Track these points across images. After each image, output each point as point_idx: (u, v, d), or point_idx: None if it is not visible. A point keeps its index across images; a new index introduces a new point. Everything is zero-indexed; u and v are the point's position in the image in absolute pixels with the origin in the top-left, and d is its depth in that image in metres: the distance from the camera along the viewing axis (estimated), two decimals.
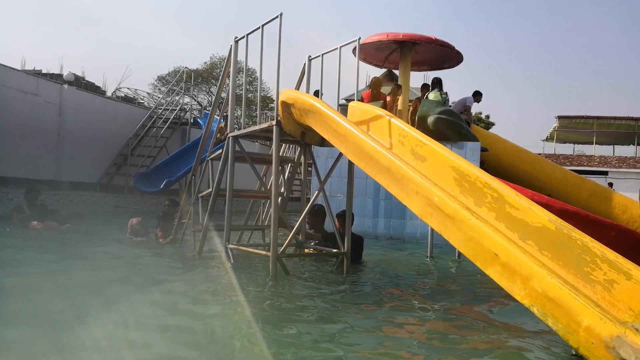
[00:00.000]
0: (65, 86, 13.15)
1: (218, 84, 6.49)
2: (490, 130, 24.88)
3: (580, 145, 26.60)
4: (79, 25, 54.72)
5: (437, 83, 9.26)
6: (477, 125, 11.56)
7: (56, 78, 17.63)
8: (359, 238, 5.85)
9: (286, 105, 4.73)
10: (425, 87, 9.85)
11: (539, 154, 15.08)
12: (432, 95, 9.01)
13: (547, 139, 24.31)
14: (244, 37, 5.31)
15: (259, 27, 4.98)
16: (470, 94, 10.34)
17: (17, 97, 11.33)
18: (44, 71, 21.22)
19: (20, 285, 4.02)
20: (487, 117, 34.08)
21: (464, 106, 10.07)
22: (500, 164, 8.95)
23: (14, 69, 11.81)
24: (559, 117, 21.47)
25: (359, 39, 5.30)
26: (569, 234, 3.15)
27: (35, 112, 11.78)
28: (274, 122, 4.82)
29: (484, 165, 8.66)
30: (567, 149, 27.20)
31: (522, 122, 72.95)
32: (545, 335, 3.06)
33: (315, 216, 6.03)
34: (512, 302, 3.61)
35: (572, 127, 21.46)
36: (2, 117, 10.86)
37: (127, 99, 19.37)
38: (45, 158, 12.04)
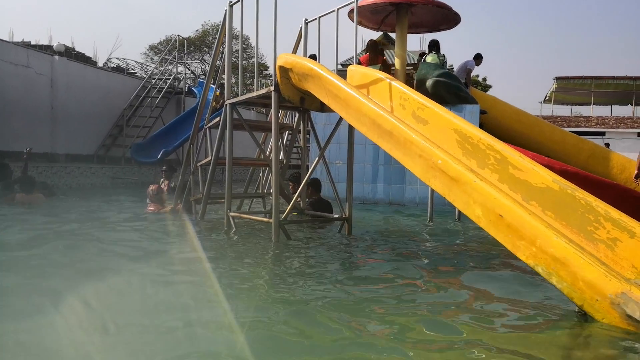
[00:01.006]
0: (56, 57, 12.88)
1: (213, 51, 6.36)
2: (488, 92, 24.69)
3: (578, 106, 26.50)
4: None
5: (434, 45, 9.10)
6: (475, 88, 11.43)
7: (46, 49, 17.26)
8: (328, 203, 6.17)
9: (284, 70, 4.64)
10: (423, 55, 9.70)
11: (537, 116, 15.00)
12: (430, 58, 8.86)
13: (545, 101, 24.18)
14: (238, 1, 5.17)
15: None
16: (468, 56, 10.22)
17: (8, 69, 11.12)
18: (33, 42, 20.75)
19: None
20: (485, 79, 33.79)
21: (466, 70, 9.96)
22: (499, 126, 8.89)
23: (3, 40, 11.54)
24: (557, 78, 21.27)
25: (357, 0, 5.16)
26: (573, 194, 3.15)
27: (26, 84, 11.58)
28: (272, 88, 4.75)
29: (483, 128, 8.59)
30: (564, 110, 27.08)
31: (519, 84, 72.40)
32: (548, 293, 3.09)
33: (314, 187, 6.10)
34: (515, 261, 3.65)
35: (570, 88, 21.30)
36: None
37: (119, 69, 19.02)
38: (39, 131, 11.91)
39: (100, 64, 20.64)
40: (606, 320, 2.47)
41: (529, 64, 74.65)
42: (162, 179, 7.83)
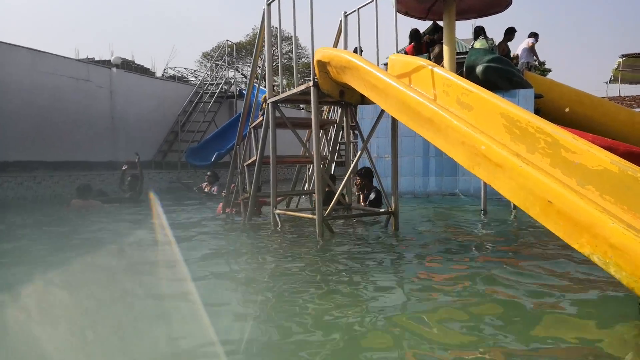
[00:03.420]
0: (114, 69, 13.51)
1: (254, 52, 6.41)
2: (547, 76, 23.49)
3: None
4: (127, 12, 55.93)
5: (481, 31, 8.74)
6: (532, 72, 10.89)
7: (106, 64, 18.18)
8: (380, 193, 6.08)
9: (322, 64, 4.58)
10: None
11: (603, 97, 14.09)
12: (478, 44, 8.51)
13: (610, 81, 22.68)
14: None
15: None
16: (523, 39, 9.79)
17: (70, 83, 11.78)
18: (97, 58, 21.92)
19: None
20: (543, 63, 32.19)
21: (528, 49, 9.60)
22: (558, 110, 8.42)
23: (65, 57, 12.23)
24: (623, 56, 19.87)
25: None
26: (635, 176, 2.88)
27: (87, 97, 12.23)
28: (310, 84, 4.69)
29: (540, 112, 8.16)
30: (634, 89, 25.24)
31: (581, 65, 68.29)
32: (609, 284, 2.85)
33: (363, 177, 6.04)
34: (570, 252, 3.40)
35: (638, 66, 19.84)
36: (58, 103, 11.36)
37: (174, 78, 19.73)
38: (101, 140, 12.53)
39: (158, 74, 21.52)
40: None
41: (591, 43, 70.28)
42: (205, 183, 8.69)
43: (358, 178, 6.30)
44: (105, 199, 8.40)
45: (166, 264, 3.95)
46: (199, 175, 14.15)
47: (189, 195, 10.14)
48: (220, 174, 12.56)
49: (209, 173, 10.04)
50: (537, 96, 8.03)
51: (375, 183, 6.23)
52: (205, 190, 9.66)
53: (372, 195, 6.14)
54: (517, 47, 10.17)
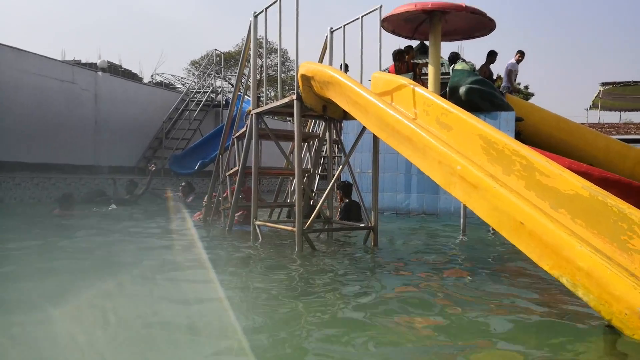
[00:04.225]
0: (100, 73, 13.43)
1: (240, 62, 6.44)
2: (530, 100, 23.96)
3: (627, 112, 25.27)
4: (115, 16, 55.75)
5: (456, 57, 8.97)
6: (516, 96, 11.13)
7: (93, 67, 18.06)
8: (359, 205, 6.20)
9: (306, 79, 4.62)
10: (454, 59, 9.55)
11: (583, 124, 14.40)
12: (459, 66, 8.67)
13: (590, 107, 23.20)
14: (262, 11, 5.21)
15: (277, 0, 4.86)
16: (507, 61, 10.00)
17: (54, 85, 11.67)
18: (83, 61, 21.75)
19: None
20: (526, 87, 32.83)
21: (507, 72, 9.81)
22: (538, 134, 8.59)
23: (51, 58, 12.13)
24: (604, 84, 20.38)
25: (380, 7, 5.10)
26: (604, 201, 2.96)
27: (71, 100, 12.12)
28: (294, 97, 4.73)
29: (521, 136, 8.32)
30: (613, 117, 25.85)
31: (563, 91, 69.79)
32: (577, 306, 2.89)
33: (340, 190, 6.40)
34: (542, 273, 3.46)
35: (617, 94, 20.35)
36: (42, 105, 11.24)
37: (164, 85, 19.65)
38: (84, 144, 12.40)
39: (146, 80, 21.42)
40: (637, 336, 2.28)
41: (573, 70, 71.95)
42: (179, 194, 8.94)
43: (338, 191, 6.45)
44: (104, 198, 8.85)
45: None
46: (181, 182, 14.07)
47: (158, 203, 10.03)
48: (195, 184, 12.66)
49: (183, 183, 10.15)
50: (518, 119, 8.19)
51: (354, 197, 6.38)
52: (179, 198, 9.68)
53: (342, 209, 6.48)
54: (501, 69, 10.39)
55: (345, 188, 6.56)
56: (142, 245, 5.29)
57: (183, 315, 2.80)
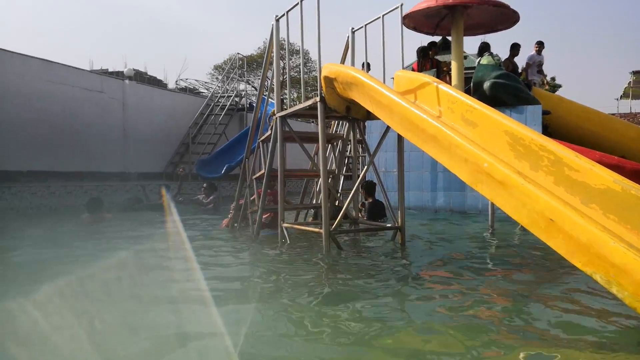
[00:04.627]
0: (127, 81, 13.73)
1: (263, 66, 6.50)
2: (558, 92, 23.44)
3: None
4: (140, 24, 56.88)
5: (486, 47, 8.80)
6: (542, 88, 10.90)
7: (119, 75, 18.50)
8: (382, 205, 6.50)
9: (329, 80, 4.64)
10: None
11: (613, 114, 14.04)
12: (485, 60, 8.54)
13: (621, 97, 22.57)
14: (284, 15, 5.25)
15: (298, 3, 4.90)
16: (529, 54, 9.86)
17: (83, 95, 11.99)
18: (110, 69, 22.29)
19: None
20: (553, 79, 32.12)
21: (527, 64, 9.67)
22: (565, 126, 8.41)
23: (79, 68, 12.47)
24: (634, 72, 19.80)
25: (401, 6, 5.08)
26: (638, 195, 2.89)
27: (100, 108, 12.43)
28: (317, 99, 4.76)
29: (548, 129, 8.17)
30: None
31: (592, 81, 67.93)
32: (611, 303, 2.84)
33: (364, 189, 6.52)
34: (577, 271, 3.39)
35: None
36: (72, 114, 11.57)
37: (188, 90, 19.99)
38: (113, 151, 12.71)
39: (170, 86, 21.81)
40: None
41: (602, 59, 69.96)
42: (202, 195, 8.90)
43: (362, 190, 6.50)
44: (141, 205, 9.32)
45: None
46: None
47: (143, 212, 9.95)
48: (222, 187, 12.85)
49: (205, 185, 9.84)
50: (545, 112, 8.04)
51: (379, 196, 6.46)
52: (202, 199, 9.55)
53: (367, 209, 6.63)
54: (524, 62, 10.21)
55: (370, 187, 6.63)
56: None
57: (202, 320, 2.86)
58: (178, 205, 9.68)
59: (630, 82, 19.97)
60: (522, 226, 6.12)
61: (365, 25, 5.49)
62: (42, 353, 2.35)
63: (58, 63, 11.53)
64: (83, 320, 2.77)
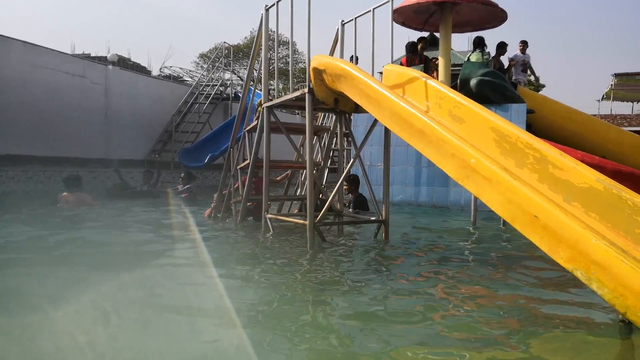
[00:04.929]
0: (110, 67, 13.49)
1: (251, 56, 6.45)
2: (541, 92, 23.71)
3: None
4: (123, 9, 55.86)
5: (479, 43, 8.83)
6: (526, 87, 11.03)
7: (102, 61, 18.16)
8: (365, 198, 6.90)
9: (318, 72, 4.62)
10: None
11: (594, 115, 14.28)
12: (474, 57, 8.61)
13: (603, 99, 22.96)
14: (274, 4, 5.20)
15: None
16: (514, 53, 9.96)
17: (65, 79, 11.75)
18: (92, 54, 21.86)
19: None
20: (537, 79, 32.50)
21: (517, 62, 9.76)
22: (549, 126, 8.53)
23: (61, 52, 12.21)
24: (616, 75, 20.15)
25: (392, 0, 5.07)
26: (619, 194, 2.94)
27: (82, 93, 12.20)
28: (306, 90, 4.74)
29: (532, 128, 8.27)
30: (625, 108, 25.48)
31: (575, 82, 69.02)
32: (592, 301, 2.90)
33: (349, 183, 6.59)
34: (556, 267, 3.45)
35: (630, 85, 20.12)
36: (53, 99, 11.33)
37: (173, 78, 19.71)
38: (94, 137, 12.50)
39: (154, 73, 21.49)
40: None
41: (584, 61, 71.06)
42: (180, 185, 8.99)
43: (346, 184, 6.51)
44: (129, 191, 9.47)
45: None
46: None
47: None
48: (205, 177, 12.81)
49: (182, 174, 9.91)
50: (529, 111, 8.14)
51: (361, 190, 6.59)
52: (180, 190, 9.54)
53: (353, 202, 6.79)
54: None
55: (355, 181, 6.70)
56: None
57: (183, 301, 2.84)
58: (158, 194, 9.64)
59: (612, 84, 20.31)
60: (504, 222, 6.24)
61: (356, 18, 5.48)
62: None
63: (40, 46, 11.28)
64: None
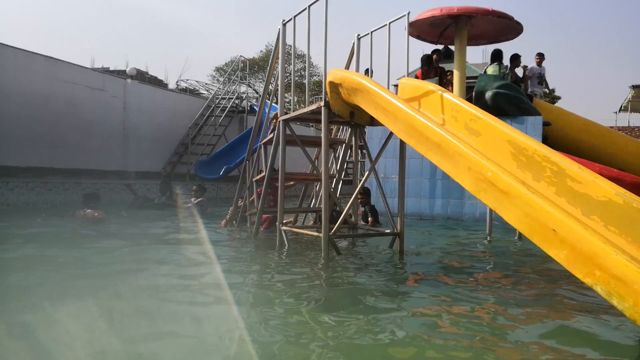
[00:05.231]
0: (129, 80, 13.74)
1: (268, 69, 6.52)
2: (557, 104, 23.55)
3: None
4: (142, 24, 56.94)
5: (497, 56, 8.82)
6: (542, 99, 10.96)
7: (121, 74, 18.49)
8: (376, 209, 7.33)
9: (334, 85, 4.67)
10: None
11: (611, 127, 14.11)
12: (491, 70, 8.60)
13: (620, 110, 22.72)
14: (291, 19, 5.28)
15: (306, 8, 4.93)
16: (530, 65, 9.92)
17: (85, 93, 11.99)
18: (112, 68, 22.27)
19: None
20: (553, 90, 32.32)
21: (533, 75, 9.73)
22: (565, 138, 8.46)
23: (82, 66, 12.47)
24: (634, 87, 19.94)
25: (408, 14, 5.12)
26: (639, 207, 2.91)
27: (102, 107, 12.43)
28: (322, 104, 4.78)
29: (548, 140, 8.21)
30: None
31: (591, 94, 68.36)
32: (614, 316, 2.86)
33: (363, 196, 6.88)
34: (577, 282, 3.41)
35: None
36: (73, 112, 11.57)
37: (189, 91, 19.99)
38: (113, 150, 12.70)
39: (171, 86, 21.81)
40: None
41: (602, 73, 70.43)
42: (192, 197, 9.12)
43: (360, 195, 6.57)
44: (150, 204, 9.90)
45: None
46: (207, 188, 14.25)
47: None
48: (221, 189, 12.97)
49: (194, 187, 9.88)
50: (545, 124, 8.09)
51: (375, 202, 6.74)
52: (192, 204, 9.54)
53: (371, 212, 7.15)
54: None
55: (368, 193, 6.90)
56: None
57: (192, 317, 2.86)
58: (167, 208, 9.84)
59: (629, 96, 20.09)
60: (520, 236, 6.18)
61: (372, 32, 5.52)
62: None
63: (62, 60, 11.54)
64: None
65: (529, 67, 9.99)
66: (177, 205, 9.87)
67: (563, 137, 8.44)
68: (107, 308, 3.03)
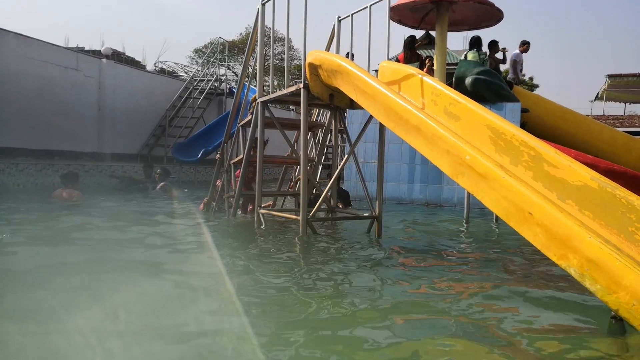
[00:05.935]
0: (104, 60, 13.38)
1: (246, 51, 6.41)
2: (535, 92, 23.82)
3: (632, 104, 25.14)
4: (118, 3, 55.48)
5: (476, 42, 8.84)
6: (521, 87, 11.05)
7: (96, 54, 18.00)
8: (346, 192, 7.46)
9: (313, 67, 4.60)
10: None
11: (587, 115, 14.35)
12: (470, 55, 8.61)
13: (595, 99, 23.12)
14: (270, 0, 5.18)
15: None
16: (512, 52, 9.94)
17: (58, 72, 11.63)
18: (87, 48, 21.66)
19: None
20: (531, 79, 32.69)
21: (513, 62, 9.74)
22: (542, 125, 8.54)
23: (55, 45, 12.08)
24: (609, 76, 20.27)
25: None
26: (613, 192, 2.95)
27: (76, 87, 12.09)
28: (301, 85, 4.72)
29: (526, 127, 8.27)
30: (617, 109, 25.73)
31: (568, 83, 69.47)
32: (583, 297, 2.91)
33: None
34: (550, 265, 3.47)
35: (623, 86, 20.25)
36: (45, 92, 11.22)
37: (167, 73, 19.60)
38: (87, 131, 12.40)
39: (149, 68, 21.36)
40: None
41: (579, 62, 71.53)
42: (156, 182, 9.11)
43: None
44: (138, 186, 9.72)
45: None
46: (184, 171, 14.07)
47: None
48: (198, 172, 12.80)
49: (158, 170, 9.94)
50: (524, 110, 8.16)
51: (354, 187, 6.71)
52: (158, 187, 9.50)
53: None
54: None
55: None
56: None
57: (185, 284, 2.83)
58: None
59: (605, 85, 20.45)
60: (497, 220, 6.26)
61: (352, 14, 5.46)
62: None
63: (33, 38, 11.15)
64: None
65: (514, 52, 10.02)
66: (169, 192, 9.70)
67: (540, 124, 8.53)
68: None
